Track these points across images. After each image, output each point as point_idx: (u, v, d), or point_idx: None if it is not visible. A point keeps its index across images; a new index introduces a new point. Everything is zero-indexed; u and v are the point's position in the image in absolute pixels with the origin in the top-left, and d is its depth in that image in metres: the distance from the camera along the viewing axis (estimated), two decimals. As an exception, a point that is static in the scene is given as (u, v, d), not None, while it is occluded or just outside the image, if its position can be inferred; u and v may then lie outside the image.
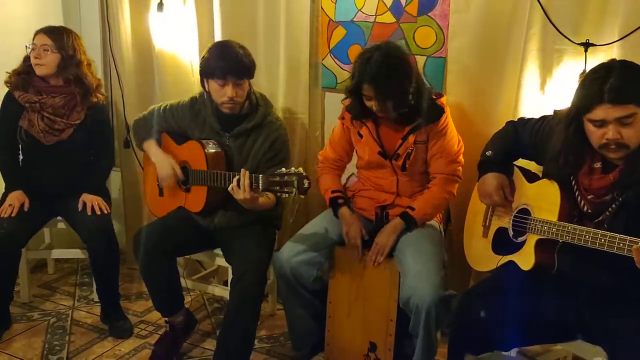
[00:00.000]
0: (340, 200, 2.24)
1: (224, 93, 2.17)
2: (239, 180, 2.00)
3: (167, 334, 2.42)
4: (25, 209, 2.47)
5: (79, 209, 2.50)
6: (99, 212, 2.49)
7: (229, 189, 2.04)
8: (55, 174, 2.58)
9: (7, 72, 2.54)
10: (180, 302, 2.39)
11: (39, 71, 2.49)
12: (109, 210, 2.56)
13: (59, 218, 2.68)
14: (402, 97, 2.02)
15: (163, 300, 2.37)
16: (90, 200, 2.51)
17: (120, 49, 2.99)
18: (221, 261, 2.41)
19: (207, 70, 2.19)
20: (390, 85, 1.99)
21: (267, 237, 2.33)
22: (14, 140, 2.56)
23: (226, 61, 2.14)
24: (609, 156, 1.59)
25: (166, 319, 2.42)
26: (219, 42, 2.33)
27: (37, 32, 2.50)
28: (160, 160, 2.35)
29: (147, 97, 3.00)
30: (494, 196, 1.87)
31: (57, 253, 2.95)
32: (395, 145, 2.15)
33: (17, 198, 2.47)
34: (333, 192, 2.27)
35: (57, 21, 2.83)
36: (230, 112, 2.23)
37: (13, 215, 2.42)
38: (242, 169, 2.02)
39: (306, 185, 1.86)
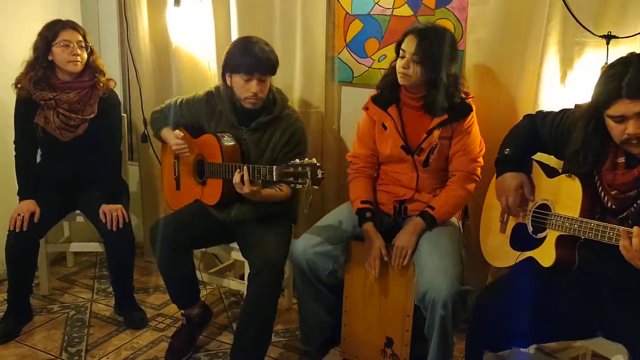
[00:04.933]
0: (368, 214, 2.18)
1: (248, 89, 2.17)
2: (242, 175, 2.02)
3: (184, 326, 2.43)
4: (36, 219, 2.44)
5: (103, 221, 2.47)
6: (116, 227, 2.45)
7: (233, 182, 2.06)
8: (74, 169, 2.60)
9: (17, 85, 2.48)
10: (196, 294, 2.41)
11: (75, 68, 2.46)
12: (128, 220, 2.53)
13: (78, 212, 2.71)
14: (434, 65, 2.00)
15: (179, 293, 2.38)
16: (110, 211, 2.48)
17: (138, 45, 3.01)
18: (237, 255, 2.42)
19: (233, 65, 2.18)
20: (432, 45, 1.98)
21: (283, 231, 2.32)
22: (32, 139, 2.56)
23: (253, 57, 2.14)
24: (632, 151, 1.56)
25: (183, 311, 2.44)
26: (244, 38, 2.31)
27: (62, 28, 2.44)
28: (169, 136, 2.38)
29: (164, 92, 3.01)
30: (512, 197, 1.84)
31: (76, 246, 3.00)
32: (420, 140, 2.13)
33: (27, 208, 2.45)
34: (362, 202, 2.20)
35: (74, 18, 2.84)
36: (252, 107, 2.23)
37: (25, 229, 2.40)
38: (240, 165, 2.04)
39: (320, 175, 1.85)
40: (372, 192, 2.25)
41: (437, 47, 1.99)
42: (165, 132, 2.45)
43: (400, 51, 2.06)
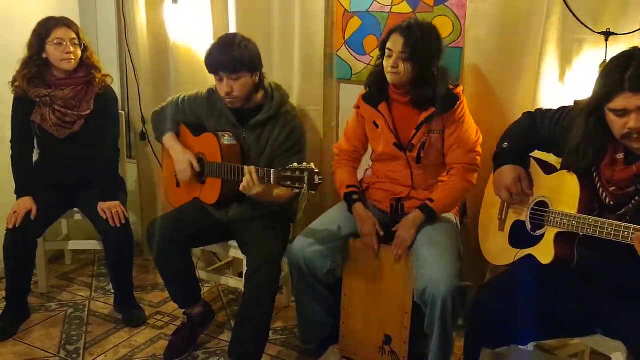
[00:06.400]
0: (354, 196, 2.22)
1: (221, 89, 2.17)
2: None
3: (185, 325, 2.43)
4: (32, 217, 2.44)
5: (103, 218, 2.47)
6: (116, 224, 2.45)
7: (241, 189, 2.04)
8: (71, 166, 2.59)
9: (14, 83, 2.48)
10: (196, 294, 2.41)
11: (69, 66, 2.45)
12: (127, 216, 2.53)
13: (76, 209, 2.70)
14: (423, 61, 2.00)
15: (178, 291, 2.38)
16: (109, 209, 2.48)
17: (136, 42, 3.00)
18: (236, 253, 2.42)
19: (206, 66, 2.18)
20: (418, 41, 1.97)
21: (282, 230, 2.33)
22: (29, 137, 2.55)
23: (217, 57, 2.13)
24: (632, 146, 1.55)
25: (184, 310, 2.43)
26: (221, 36, 2.28)
27: (55, 26, 2.43)
28: (178, 156, 2.35)
29: (162, 90, 3.01)
30: (512, 189, 1.83)
31: (74, 244, 2.98)
32: (410, 136, 2.13)
33: (24, 205, 2.45)
34: (348, 187, 2.25)
35: (73, 15, 2.82)
36: (232, 106, 2.22)
37: (17, 226, 2.39)
38: (246, 167, 2.01)
39: (317, 181, 1.84)
40: (356, 178, 2.32)
41: (423, 42, 1.99)
42: (171, 142, 2.40)
43: (387, 50, 2.05)
